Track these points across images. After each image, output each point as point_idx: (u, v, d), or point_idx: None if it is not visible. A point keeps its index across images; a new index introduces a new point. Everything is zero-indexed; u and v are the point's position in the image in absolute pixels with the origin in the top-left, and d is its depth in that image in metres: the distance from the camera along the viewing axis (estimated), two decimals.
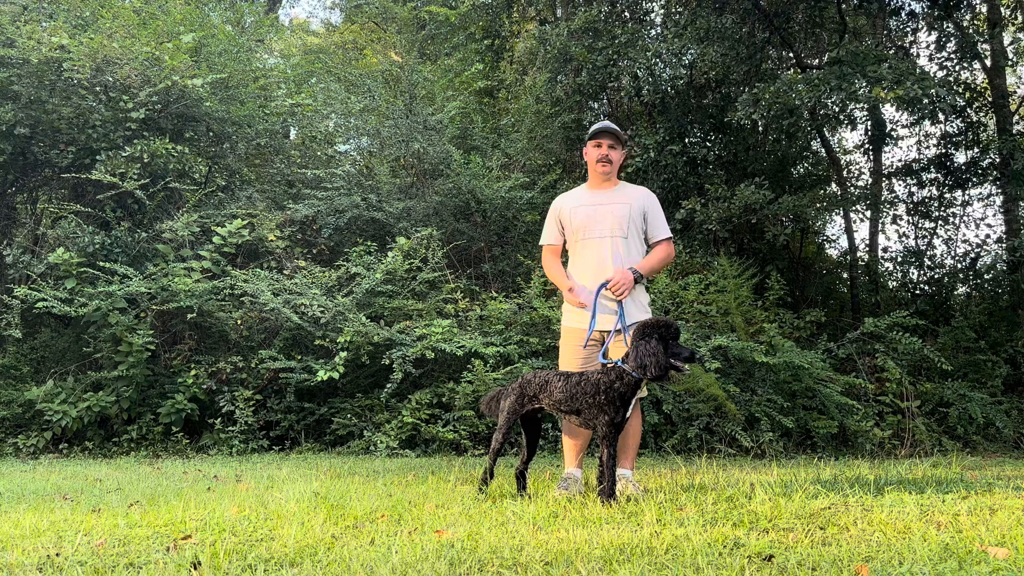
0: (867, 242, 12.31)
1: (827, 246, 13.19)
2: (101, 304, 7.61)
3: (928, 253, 11.76)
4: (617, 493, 3.55)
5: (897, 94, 8.41)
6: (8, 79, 8.57)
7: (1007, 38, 12.49)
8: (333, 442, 7.79)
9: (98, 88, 8.89)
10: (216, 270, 8.37)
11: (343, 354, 7.63)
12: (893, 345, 8.71)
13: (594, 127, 4.17)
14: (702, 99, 11.39)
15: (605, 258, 4.01)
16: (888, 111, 11.86)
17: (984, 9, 11.86)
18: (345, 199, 9.48)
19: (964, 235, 12.11)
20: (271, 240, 8.93)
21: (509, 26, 13.82)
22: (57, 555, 2.40)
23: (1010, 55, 12.33)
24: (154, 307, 7.99)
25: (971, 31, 11.56)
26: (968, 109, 11.42)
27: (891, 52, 10.44)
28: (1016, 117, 11.80)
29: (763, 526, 2.74)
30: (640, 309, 4.03)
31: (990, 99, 11.67)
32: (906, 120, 11.77)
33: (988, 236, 11.81)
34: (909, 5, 12.01)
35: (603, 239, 4.04)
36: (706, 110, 11.16)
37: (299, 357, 8.02)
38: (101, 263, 8.12)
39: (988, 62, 11.50)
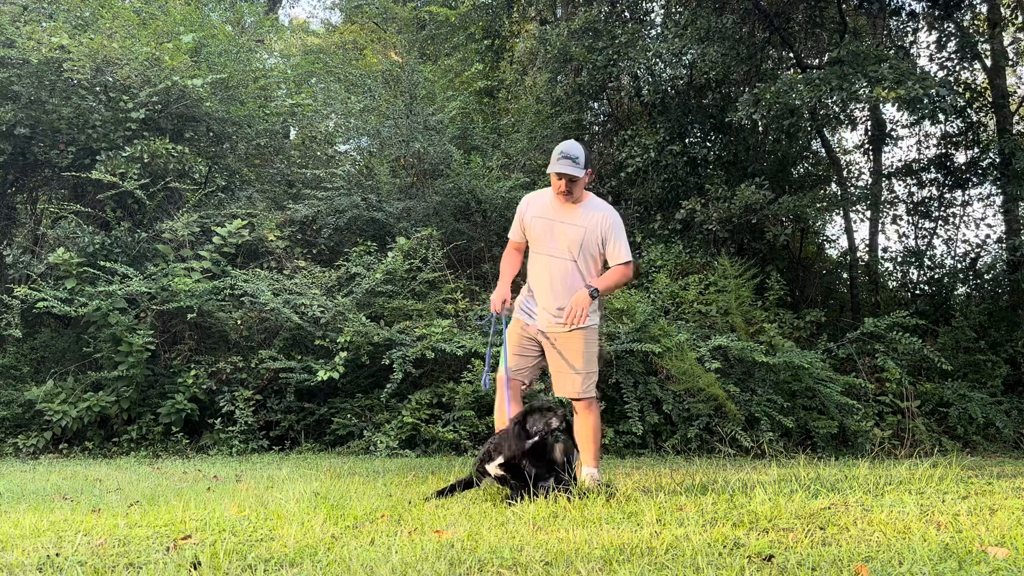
0: (867, 242, 12.31)
1: (827, 246, 13.19)
2: (101, 304, 7.60)
3: (928, 253, 11.76)
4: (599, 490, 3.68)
5: (898, 94, 8.41)
6: (8, 79, 8.57)
7: (1007, 38, 12.49)
8: (333, 442, 7.79)
9: (98, 88, 8.88)
10: (216, 270, 8.37)
11: (343, 354, 7.62)
12: (893, 345, 8.71)
13: (555, 162, 3.97)
14: (702, 99, 11.39)
15: (552, 276, 4.08)
16: (888, 111, 11.87)
17: (984, 9, 11.86)
18: (345, 199, 9.48)
19: (964, 235, 12.13)
20: (271, 240, 8.93)
21: (509, 26, 13.82)
22: (57, 555, 2.39)
23: (1010, 55, 12.33)
24: (154, 307, 7.98)
25: (971, 31, 11.57)
26: (968, 109, 11.42)
27: (891, 52, 10.44)
28: (1016, 117, 11.80)
29: (763, 526, 2.74)
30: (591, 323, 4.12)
31: (990, 99, 11.67)
32: (906, 120, 11.78)
33: (988, 236, 11.82)
34: (909, 5, 12.01)
35: (553, 258, 4.08)
36: (706, 110, 11.16)
37: (299, 357, 8.01)
38: (101, 263, 8.12)
39: (988, 62, 11.51)
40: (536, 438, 3.51)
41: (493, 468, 3.61)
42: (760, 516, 2.90)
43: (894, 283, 11.97)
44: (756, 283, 9.21)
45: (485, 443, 3.82)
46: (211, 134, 9.84)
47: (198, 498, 3.76)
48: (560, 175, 3.99)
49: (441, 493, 3.73)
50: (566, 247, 4.06)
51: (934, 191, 11.96)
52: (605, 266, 4.22)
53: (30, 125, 8.78)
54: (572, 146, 4.03)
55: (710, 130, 11.38)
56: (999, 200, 11.57)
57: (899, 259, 11.96)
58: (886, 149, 12.59)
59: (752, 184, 9.73)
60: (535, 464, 3.53)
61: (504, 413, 4.16)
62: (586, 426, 4.08)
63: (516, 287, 4.41)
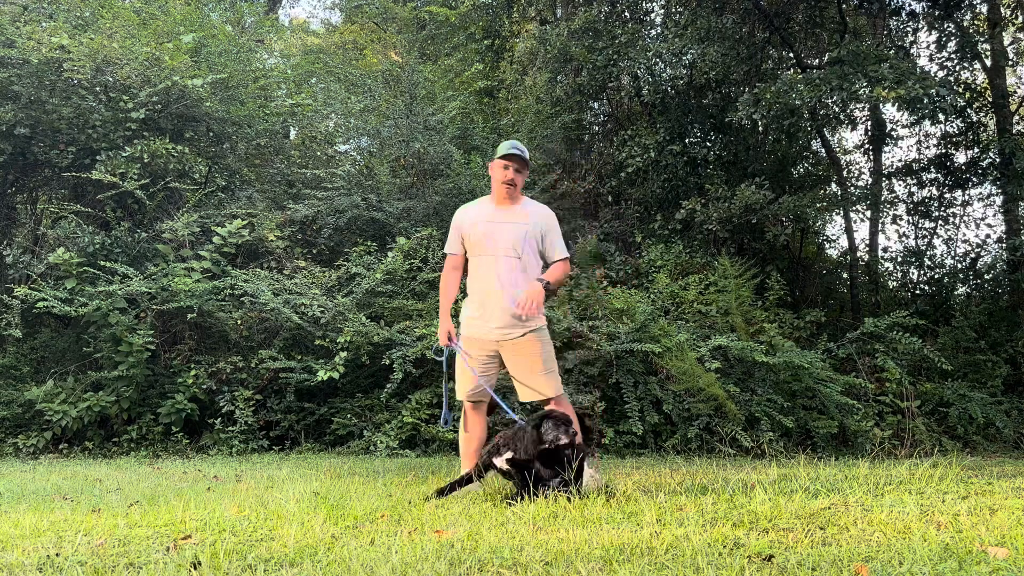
0: (867, 242, 12.31)
1: (827, 246, 13.19)
2: (101, 304, 7.61)
3: (928, 253, 11.76)
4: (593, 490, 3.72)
5: (898, 94, 8.41)
6: (8, 79, 8.57)
7: (1007, 38, 12.49)
8: (333, 442, 7.79)
9: (98, 88, 8.88)
10: (216, 270, 8.37)
11: (343, 354, 7.63)
12: (893, 345, 8.70)
13: (504, 148, 4.19)
14: (702, 99, 11.38)
15: (500, 275, 4.13)
16: (888, 111, 11.87)
17: (984, 9, 11.85)
18: (345, 199, 9.48)
19: (964, 235, 12.12)
20: (271, 240, 8.93)
21: (509, 26, 13.83)
22: (57, 555, 2.39)
23: (1010, 55, 12.33)
24: (154, 307, 7.99)
25: (971, 31, 11.56)
26: (968, 109, 11.42)
27: (891, 52, 10.44)
28: (1016, 117, 11.80)
29: (763, 526, 2.74)
30: (534, 317, 4.16)
31: (990, 99, 11.67)
32: (906, 120, 11.78)
33: (988, 236, 11.82)
34: (909, 5, 12.01)
35: (497, 257, 4.15)
36: (706, 110, 11.16)
37: (299, 357, 8.01)
38: (101, 263, 8.12)
39: (988, 62, 11.50)
40: (548, 445, 3.53)
41: (501, 462, 3.64)
42: (760, 516, 2.90)
43: (894, 283, 11.97)
44: (756, 283, 9.20)
45: (494, 437, 3.84)
46: (211, 134, 9.84)
47: (198, 498, 3.76)
48: (510, 158, 4.14)
49: (441, 492, 3.74)
50: (511, 244, 4.14)
51: (934, 191, 11.96)
52: (545, 266, 4.32)
53: (30, 125, 8.78)
54: (518, 143, 4.24)
55: (710, 130, 11.38)
56: (999, 200, 11.56)
57: (899, 259, 11.96)
58: (886, 149, 12.59)
59: (752, 184, 9.73)
60: (545, 468, 3.55)
61: (477, 440, 4.24)
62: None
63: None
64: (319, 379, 7.61)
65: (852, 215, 11.95)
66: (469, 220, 4.27)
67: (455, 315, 4.48)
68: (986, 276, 11.06)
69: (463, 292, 4.45)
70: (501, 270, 4.11)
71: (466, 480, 3.82)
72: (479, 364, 4.18)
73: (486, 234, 4.18)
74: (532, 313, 3.99)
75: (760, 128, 11.10)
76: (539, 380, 4.09)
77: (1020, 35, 12.78)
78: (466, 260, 4.34)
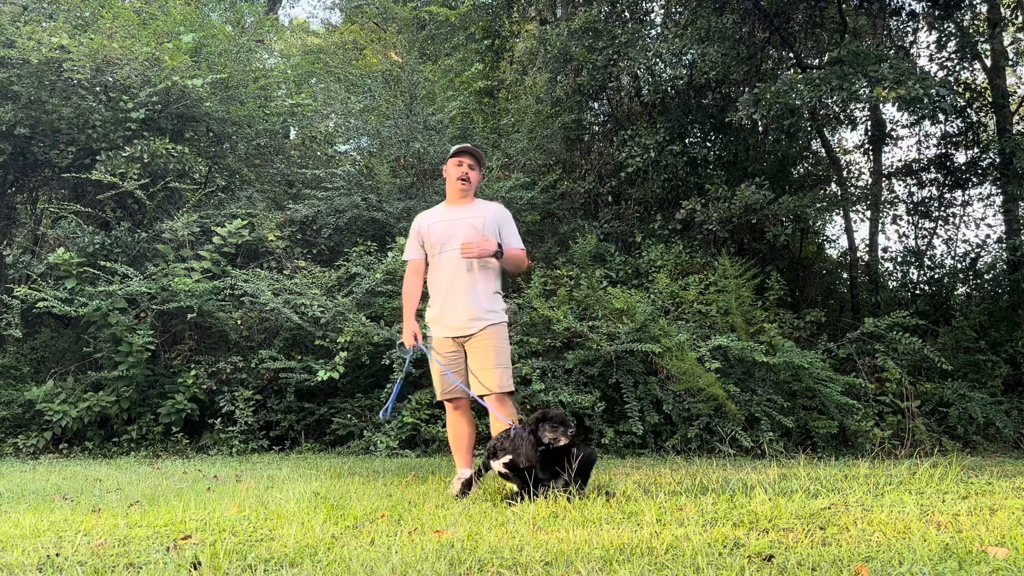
0: (867, 242, 12.30)
1: (827, 246, 13.19)
2: (101, 304, 7.61)
3: (928, 253, 11.75)
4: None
5: (898, 94, 8.41)
6: (8, 79, 8.57)
7: (1007, 38, 12.49)
8: (333, 442, 7.79)
9: (98, 88, 8.89)
10: (216, 270, 8.37)
11: (343, 354, 7.63)
12: (893, 345, 8.70)
13: (456, 146, 4.43)
14: (702, 99, 11.38)
15: (460, 268, 4.24)
16: (888, 111, 11.87)
17: (984, 9, 11.84)
18: (345, 199, 9.48)
19: (964, 235, 12.12)
20: (271, 240, 8.93)
21: (509, 26, 13.82)
22: (57, 555, 2.39)
23: (1010, 55, 12.32)
24: (154, 307, 7.99)
25: (971, 31, 11.55)
26: (968, 109, 11.41)
27: (891, 52, 10.43)
28: (1016, 117, 11.79)
29: (763, 526, 2.74)
30: (493, 311, 4.27)
31: (990, 99, 11.66)
32: (906, 120, 11.78)
33: (988, 236, 11.82)
34: (909, 5, 11.99)
35: (459, 251, 4.26)
36: (706, 110, 11.15)
37: (299, 357, 8.01)
38: (101, 263, 8.13)
39: (988, 62, 11.50)
40: (547, 447, 3.55)
41: (498, 465, 3.65)
42: (760, 516, 2.90)
43: (894, 283, 11.96)
44: (756, 283, 9.20)
45: (492, 439, 3.85)
46: (211, 134, 9.85)
47: (198, 498, 3.76)
48: (461, 153, 4.35)
49: (464, 491, 3.82)
50: (470, 237, 4.26)
51: (934, 191, 11.95)
52: None
53: (30, 125, 8.78)
54: (468, 144, 4.49)
55: (710, 130, 11.37)
56: (999, 200, 11.55)
57: (899, 259, 11.95)
58: (886, 149, 12.59)
59: (752, 184, 9.72)
60: (543, 470, 3.57)
61: (466, 437, 4.35)
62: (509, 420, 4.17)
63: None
64: (319, 379, 7.61)
65: (852, 215, 11.95)
66: (426, 223, 4.42)
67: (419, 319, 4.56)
68: (986, 276, 11.06)
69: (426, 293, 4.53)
70: (463, 263, 4.22)
71: (478, 473, 3.88)
72: (447, 360, 4.28)
73: (446, 232, 4.31)
74: (472, 254, 4.12)
75: (760, 128, 11.10)
76: (490, 374, 4.17)
77: (1020, 35, 12.78)
78: (426, 265, 4.46)
